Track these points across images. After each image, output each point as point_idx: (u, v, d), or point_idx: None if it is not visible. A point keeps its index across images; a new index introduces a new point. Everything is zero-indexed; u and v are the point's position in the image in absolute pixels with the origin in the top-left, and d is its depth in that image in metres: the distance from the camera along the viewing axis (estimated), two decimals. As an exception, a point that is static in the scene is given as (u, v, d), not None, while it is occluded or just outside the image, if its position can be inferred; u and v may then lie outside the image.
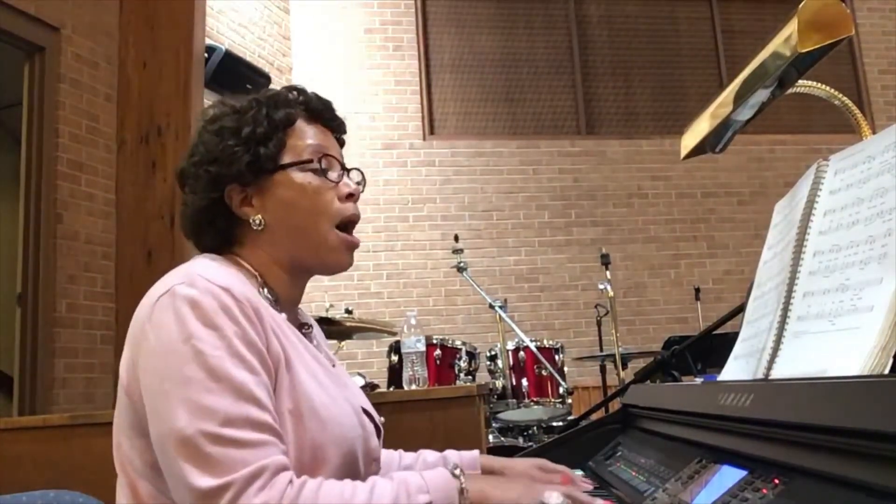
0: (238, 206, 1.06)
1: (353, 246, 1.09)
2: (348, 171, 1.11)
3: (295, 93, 1.12)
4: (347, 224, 1.09)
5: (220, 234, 1.08)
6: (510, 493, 0.94)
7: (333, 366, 1.14)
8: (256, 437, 0.86)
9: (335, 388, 1.04)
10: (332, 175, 1.08)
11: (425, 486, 0.91)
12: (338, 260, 1.08)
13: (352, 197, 1.09)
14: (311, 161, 1.07)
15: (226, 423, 0.85)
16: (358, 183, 1.13)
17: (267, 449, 0.87)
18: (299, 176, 1.06)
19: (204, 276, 0.94)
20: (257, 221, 1.05)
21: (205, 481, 0.82)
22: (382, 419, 1.18)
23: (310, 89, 1.15)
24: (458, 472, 0.94)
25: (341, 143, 1.18)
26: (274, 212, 1.05)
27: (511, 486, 0.97)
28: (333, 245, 1.07)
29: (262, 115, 1.07)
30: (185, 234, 1.13)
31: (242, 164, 1.04)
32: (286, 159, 1.06)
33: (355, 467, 1.02)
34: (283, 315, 1.05)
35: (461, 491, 0.92)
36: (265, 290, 1.05)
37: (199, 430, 0.84)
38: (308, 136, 1.09)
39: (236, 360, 0.89)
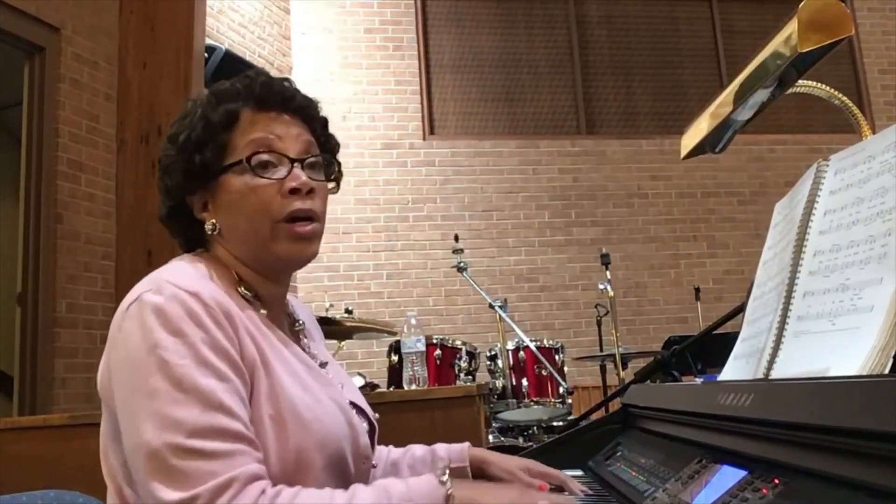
0: (199, 212, 1.04)
1: (300, 235, 1.00)
2: (303, 162, 1.01)
3: (240, 84, 1.03)
4: (294, 219, 1.00)
5: (188, 238, 1.07)
6: (501, 500, 0.91)
7: (325, 363, 1.12)
8: (225, 448, 0.84)
9: (319, 388, 1.00)
10: (269, 172, 0.99)
11: (408, 493, 0.88)
12: (288, 251, 1.00)
13: (297, 192, 0.99)
14: (239, 162, 0.99)
15: (193, 435, 0.83)
16: (331, 174, 1.07)
17: (237, 459, 0.84)
18: (237, 177, 0.99)
19: (172, 281, 0.91)
20: (211, 226, 1.02)
21: (172, 495, 0.80)
22: (377, 416, 1.16)
23: (263, 73, 1.07)
24: (445, 478, 0.91)
25: (317, 123, 1.09)
26: (224, 215, 1.01)
27: (502, 494, 0.94)
28: (280, 237, 1.00)
29: (198, 119, 1.02)
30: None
31: (179, 174, 1.02)
32: (230, 160, 1.00)
33: (344, 468, 1.00)
34: (264, 312, 1.03)
35: (448, 498, 0.89)
36: (242, 287, 1.02)
37: (166, 442, 0.82)
38: (253, 129, 1.01)
39: (204, 368, 0.87)
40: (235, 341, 0.92)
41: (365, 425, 1.10)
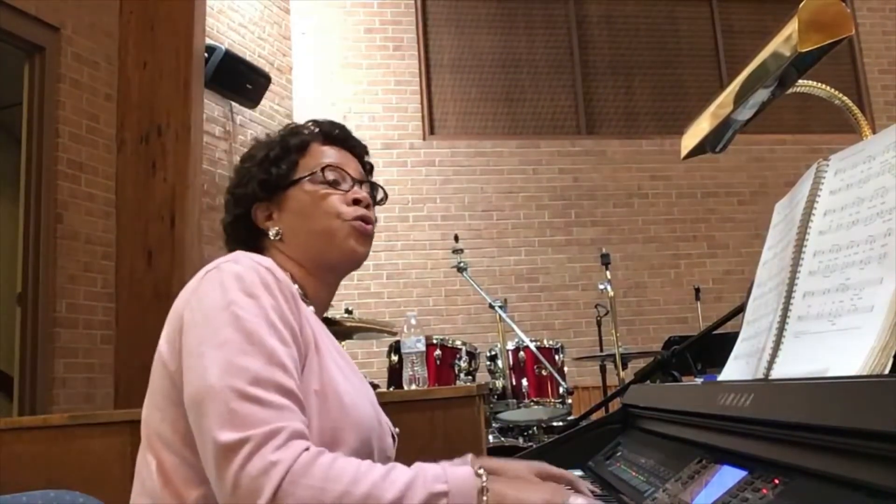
0: (262, 222, 1.19)
1: (363, 233, 1.18)
2: (361, 183, 1.23)
3: (311, 123, 1.26)
4: (359, 220, 1.19)
5: (247, 246, 1.17)
6: (531, 496, 0.92)
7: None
8: (280, 401, 0.90)
9: (358, 381, 1.11)
10: (340, 185, 1.19)
11: (444, 476, 0.90)
12: (352, 247, 1.17)
13: (358, 202, 1.19)
14: (314, 173, 1.18)
15: (254, 383, 0.90)
16: (377, 198, 1.30)
17: (288, 413, 0.90)
18: (308, 186, 1.17)
19: (250, 256, 1.04)
20: (275, 232, 1.17)
21: (225, 435, 0.86)
22: (398, 430, 1.22)
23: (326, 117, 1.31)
24: (481, 471, 0.93)
25: (366, 165, 1.30)
26: (289, 221, 1.17)
27: (534, 491, 0.95)
28: (345, 234, 1.16)
29: (277, 142, 1.22)
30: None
31: (255, 183, 1.18)
32: (298, 176, 1.18)
33: (371, 457, 1.02)
34: (312, 309, 1.14)
35: (481, 490, 0.90)
36: (295, 286, 1.11)
37: (229, 385, 0.89)
38: (323, 155, 1.21)
39: (271, 329, 0.95)
40: (298, 317, 1.01)
41: (388, 426, 1.18)
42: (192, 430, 0.95)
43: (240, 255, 1.05)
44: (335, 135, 1.25)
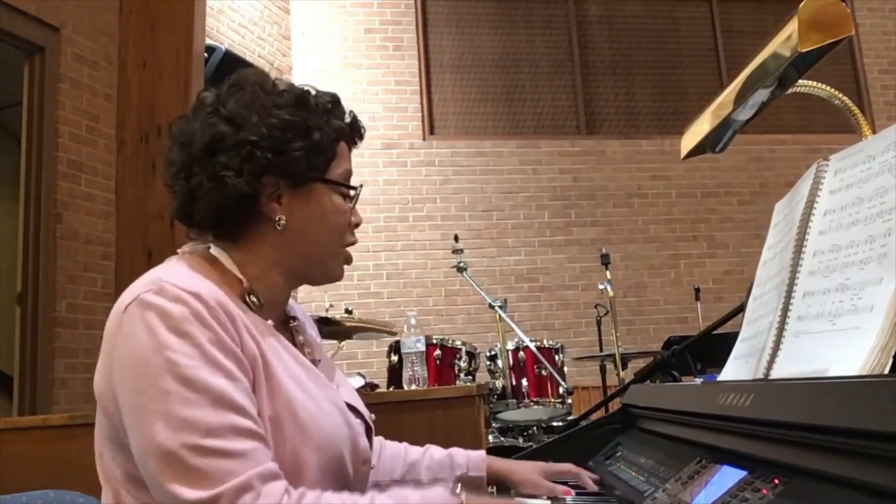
0: (266, 201, 1.00)
1: (351, 260, 1.11)
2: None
3: (340, 105, 1.09)
4: (349, 247, 1.12)
5: (236, 223, 1.01)
6: None
7: (318, 361, 1.12)
8: (241, 446, 0.84)
9: (317, 390, 1.01)
10: (353, 205, 1.10)
11: (424, 502, 0.89)
12: (336, 273, 1.10)
13: (357, 226, 1.11)
14: (353, 188, 1.08)
15: (209, 434, 0.83)
16: None
17: (254, 456, 0.84)
18: (335, 196, 1.06)
19: (171, 281, 0.90)
20: (281, 221, 1.01)
21: (193, 494, 0.80)
22: (373, 416, 1.16)
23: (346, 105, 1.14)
24: (458, 490, 0.92)
25: None
26: (300, 218, 1.02)
27: None
28: (340, 259, 1.09)
29: (327, 125, 1.04)
30: (188, 211, 1.02)
31: (302, 167, 1.01)
32: (330, 173, 1.05)
33: (342, 470, 1.00)
34: (271, 323, 1.03)
35: None
36: (250, 296, 1.01)
37: (182, 443, 0.82)
38: (345, 157, 1.09)
39: (213, 368, 0.86)
40: (237, 340, 0.91)
41: (361, 426, 1.10)
42: (139, 472, 0.89)
43: (160, 280, 0.91)
44: (359, 136, 1.13)
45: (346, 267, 1.11)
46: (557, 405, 3.36)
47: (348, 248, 1.10)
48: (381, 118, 5.86)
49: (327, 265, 1.08)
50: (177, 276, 0.92)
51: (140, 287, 0.92)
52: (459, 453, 1.26)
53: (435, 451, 1.27)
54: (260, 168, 0.98)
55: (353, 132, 1.10)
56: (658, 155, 6.08)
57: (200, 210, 1.00)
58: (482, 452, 1.27)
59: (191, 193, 0.99)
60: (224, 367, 0.87)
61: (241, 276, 1.01)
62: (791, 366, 0.84)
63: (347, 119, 1.09)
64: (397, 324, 3.02)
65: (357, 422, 1.08)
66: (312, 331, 1.22)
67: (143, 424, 0.85)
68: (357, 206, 1.11)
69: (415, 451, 1.27)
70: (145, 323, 0.87)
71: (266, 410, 0.92)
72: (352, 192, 1.08)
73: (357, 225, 1.11)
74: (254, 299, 1.01)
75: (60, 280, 3.74)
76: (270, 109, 1.00)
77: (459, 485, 0.94)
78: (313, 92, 1.06)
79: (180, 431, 0.82)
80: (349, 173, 1.09)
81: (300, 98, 1.03)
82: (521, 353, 3.40)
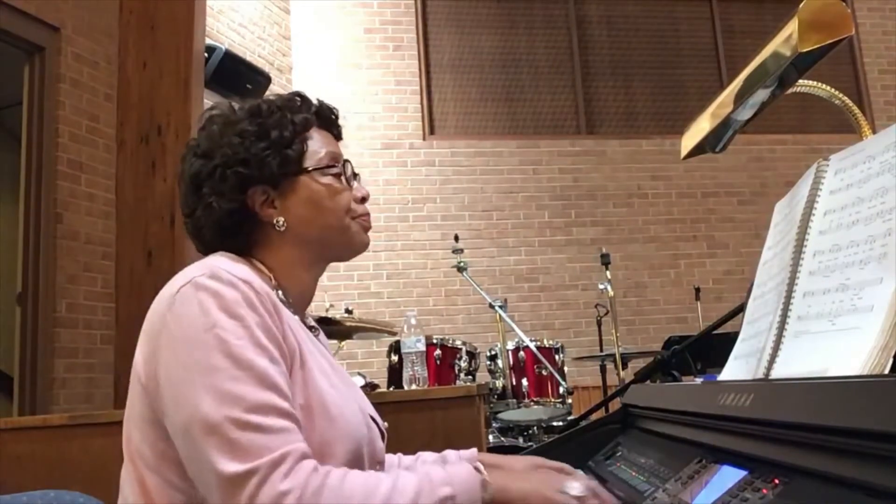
0: (262, 209, 1.08)
1: (369, 226, 1.16)
2: (356, 175, 1.18)
3: (298, 99, 1.15)
4: (363, 216, 1.16)
5: (243, 236, 1.09)
6: (529, 483, 0.97)
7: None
8: (280, 424, 0.88)
9: (345, 388, 1.07)
10: (352, 182, 1.15)
11: (448, 478, 0.92)
12: (360, 240, 1.14)
13: (365, 200, 1.16)
14: (334, 166, 1.12)
15: (251, 410, 0.87)
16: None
17: (290, 435, 0.89)
18: (323, 179, 1.11)
19: (224, 268, 0.97)
20: (280, 223, 1.08)
21: (231, 466, 0.84)
22: (386, 424, 1.19)
23: (312, 95, 1.20)
24: (479, 465, 0.97)
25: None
26: (297, 213, 1.09)
27: (530, 478, 0.99)
28: (357, 229, 1.13)
29: (287, 120, 1.10)
30: (200, 240, 1.12)
31: (274, 167, 1.07)
32: (308, 163, 1.10)
33: (361, 467, 1.02)
34: (297, 317, 1.09)
35: (483, 483, 0.93)
36: (278, 291, 1.08)
37: (226, 416, 0.86)
38: (322, 141, 1.14)
39: (258, 349, 0.92)
40: (281, 330, 0.97)
41: (376, 431, 1.14)
42: (171, 451, 0.93)
43: (213, 266, 0.97)
44: (330, 119, 1.19)
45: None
46: (557, 405, 3.36)
47: (363, 217, 1.14)
48: (381, 118, 5.86)
49: (346, 240, 1.13)
50: (228, 265, 0.99)
51: (194, 271, 0.98)
52: (451, 454, 1.29)
53: (427, 456, 1.31)
54: (238, 183, 1.06)
55: (322, 116, 1.17)
56: (658, 155, 6.08)
57: (206, 236, 1.10)
58: (473, 450, 1.29)
59: (195, 226, 1.11)
60: (268, 350, 0.93)
61: (269, 274, 1.08)
62: (791, 366, 0.84)
63: (301, 102, 1.15)
64: (397, 324, 3.02)
65: (373, 425, 1.12)
66: (326, 343, 1.26)
67: (189, 397, 0.89)
68: (358, 189, 1.15)
69: (407, 458, 1.31)
70: (199, 302, 0.93)
71: (299, 399, 0.97)
72: (338, 171, 1.13)
73: (364, 199, 1.15)
74: (282, 296, 1.08)
75: (60, 280, 3.74)
76: (228, 131, 1.09)
77: (480, 464, 0.98)
78: (261, 100, 1.14)
79: (225, 405, 0.87)
80: (334, 155, 1.13)
81: (252, 109, 1.11)
82: (522, 353, 3.40)
